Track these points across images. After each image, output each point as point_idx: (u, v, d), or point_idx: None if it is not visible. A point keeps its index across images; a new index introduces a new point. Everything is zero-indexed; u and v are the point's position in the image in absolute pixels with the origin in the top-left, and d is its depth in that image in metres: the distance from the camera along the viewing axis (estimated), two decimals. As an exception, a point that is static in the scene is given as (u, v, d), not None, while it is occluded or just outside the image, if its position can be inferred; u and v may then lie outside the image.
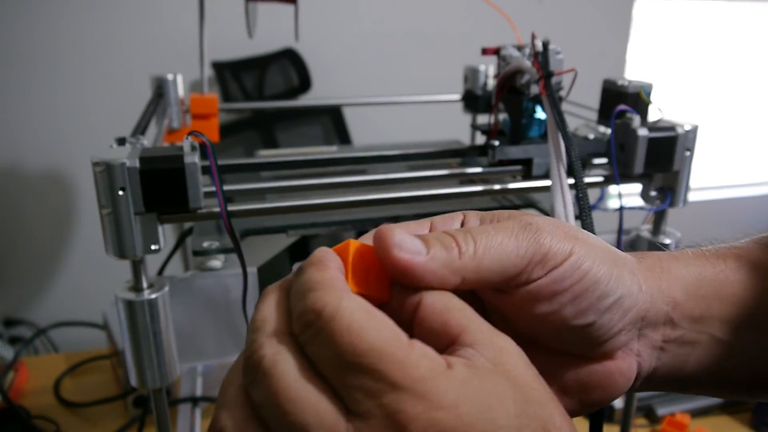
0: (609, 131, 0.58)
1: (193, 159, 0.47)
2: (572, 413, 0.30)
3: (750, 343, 0.31)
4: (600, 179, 0.59)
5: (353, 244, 0.26)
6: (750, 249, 0.34)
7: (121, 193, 0.45)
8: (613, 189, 0.61)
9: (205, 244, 0.62)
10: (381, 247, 0.25)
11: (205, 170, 0.49)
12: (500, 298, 0.28)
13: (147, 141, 0.52)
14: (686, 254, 0.34)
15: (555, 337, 0.29)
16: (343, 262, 0.25)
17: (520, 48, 0.59)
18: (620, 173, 0.58)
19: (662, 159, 0.57)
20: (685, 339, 0.31)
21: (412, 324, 0.25)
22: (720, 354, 0.31)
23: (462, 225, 0.29)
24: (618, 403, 0.90)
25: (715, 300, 0.32)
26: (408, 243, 0.25)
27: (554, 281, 0.27)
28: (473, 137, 0.84)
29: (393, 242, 0.24)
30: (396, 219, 0.62)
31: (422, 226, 0.28)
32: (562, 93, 0.57)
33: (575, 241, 0.28)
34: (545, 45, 0.54)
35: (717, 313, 0.32)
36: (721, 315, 0.32)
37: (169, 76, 0.70)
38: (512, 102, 0.59)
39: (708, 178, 1.78)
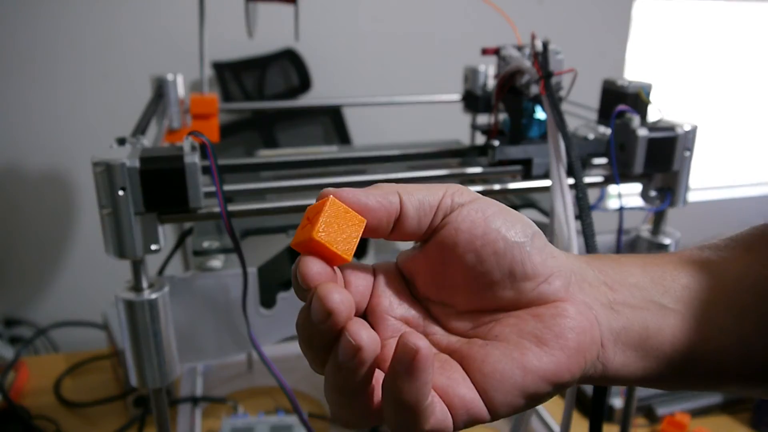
0: (609, 131, 0.59)
1: (193, 159, 0.47)
2: (566, 369, 0.30)
3: (703, 320, 0.32)
4: (600, 179, 0.59)
5: (332, 200, 0.28)
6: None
7: (121, 193, 0.45)
8: (612, 189, 0.61)
9: (205, 244, 0.62)
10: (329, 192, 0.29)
11: (205, 170, 0.49)
12: (433, 253, 0.31)
13: (147, 141, 0.52)
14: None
15: (493, 275, 0.30)
16: (316, 213, 0.28)
17: (520, 48, 0.59)
18: (620, 173, 0.58)
19: (662, 159, 0.57)
20: (631, 304, 0.31)
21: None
22: (677, 324, 0.31)
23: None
24: (618, 403, 0.90)
25: (647, 266, 0.33)
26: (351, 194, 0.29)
27: (482, 206, 0.30)
28: (473, 137, 0.84)
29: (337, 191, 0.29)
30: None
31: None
32: (562, 93, 0.57)
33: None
34: (545, 45, 0.54)
35: (652, 279, 0.32)
36: (655, 280, 0.32)
37: (170, 76, 0.70)
38: (512, 102, 0.59)
39: (708, 178, 1.79)
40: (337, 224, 0.27)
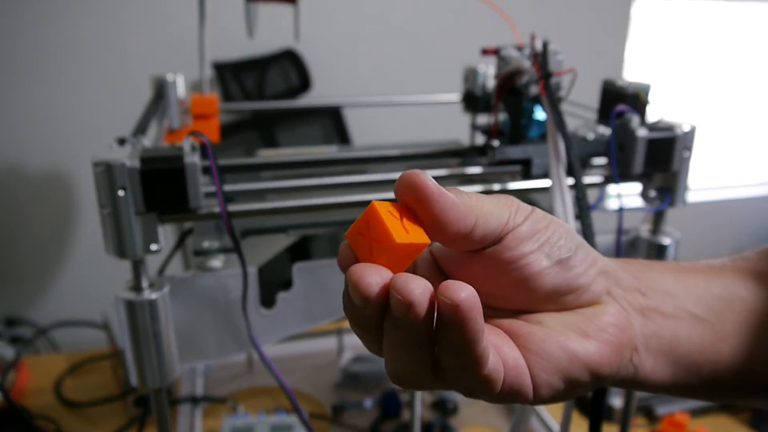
0: (608, 131, 0.59)
1: (193, 159, 0.47)
2: (607, 362, 0.30)
3: (734, 332, 0.32)
4: (599, 179, 0.59)
5: (378, 205, 0.27)
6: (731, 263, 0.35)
7: (121, 193, 0.45)
8: (612, 189, 0.61)
9: (205, 244, 0.62)
10: (421, 194, 0.27)
11: (205, 170, 0.49)
12: (479, 263, 0.30)
13: (147, 141, 0.52)
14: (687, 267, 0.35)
15: (538, 292, 0.30)
16: (375, 222, 0.26)
17: (520, 48, 0.59)
18: (619, 173, 0.58)
19: (661, 159, 0.58)
20: (663, 311, 0.32)
21: None
22: (706, 335, 0.31)
23: None
24: (617, 402, 0.90)
25: (680, 274, 0.33)
26: (439, 187, 0.27)
27: (533, 223, 0.30)
28: (473, 137, 0.84)
29: (431, 189, 0.27)
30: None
31: None
32: (562, 93, 0.57)
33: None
34: (545, 45, 0.54)
35: (685, 288, 0.32)
36: (688, 289, 0.32)
37: (170, 77, 0.70)
38: (512, 102, 0.59)
39: (707, 178, 1.79)
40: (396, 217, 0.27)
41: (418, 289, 0.24)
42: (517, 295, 0.30)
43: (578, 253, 0.30)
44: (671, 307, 0.32)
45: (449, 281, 0.25)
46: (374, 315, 0.26)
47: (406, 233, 0.26)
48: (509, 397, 0.28)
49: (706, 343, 0.32)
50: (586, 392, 0.30)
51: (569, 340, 0.29)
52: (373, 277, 0.25)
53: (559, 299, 0.30)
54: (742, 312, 0.32)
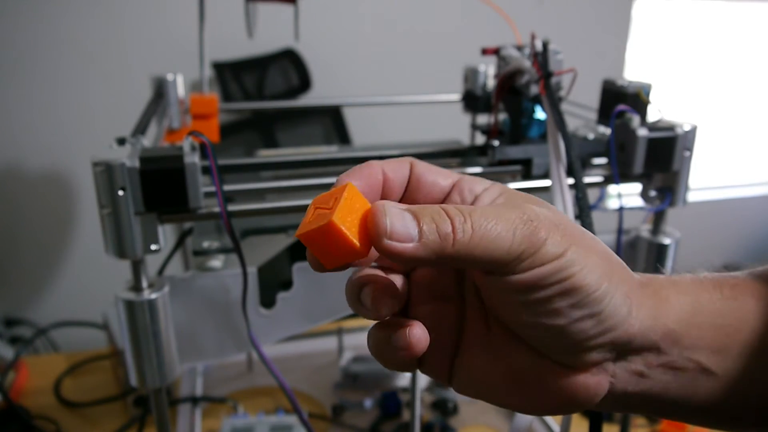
0: (609, 131, 0.58)
1: (193, 159, 0.47)
2: (518, 407, 0.30)
3: (737, 373, 0.31)
4: (600, 179, 0.59)
5: (350, 186, 0.26)
6: (746, 279, 0.33)
7: (121, 193, 0.45)
8: (612, 189, 0.61)
9: (205, 244, 0.62)
10: (373, 231, 0.25)
11: (205, 170, 0.49)
12: (480, 277, 0.29)
13: (147, 141, 0.52)
14: (685, 280, 0.33)
15: (526, 329, 0.29)
16: (334, 200, 0.26)
17: (520, 48, 0.59)
18: (620, 173, 0.58)
19: (662, 159, 0.57)
20: (672, 365, 0.30)
21: None
22: (705, 383, 0.30)
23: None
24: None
25: (708, 329, 0.31)
26: (399, 228, 0.25)
27: (535, 277, 0.26)
28: (473, 137, 0.84)
29: (383, 229, 0.25)
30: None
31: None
32: (562, 93, 0.57)
33: (572, 243, 0.27)
34: (545, 45, 0.54)
35: (708, 342, 0.31)
36: (711, 344, 0.31)
37: (169, 76, 0.70)
38: (512, 102, 0.59)
39: (708, 178, 1.79)
40: (354, 212, 0.26)
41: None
42: (515, 323, 0.29)
43: (576, 325, 0.27)
44: (683, 359, 0.30)
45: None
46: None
47: (352, 226, 0.25)
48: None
49: (699, 390, 0.31)
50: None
51: (497, 389, 0.30)
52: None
53: (549, 353, 0.29)
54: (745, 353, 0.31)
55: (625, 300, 0.28)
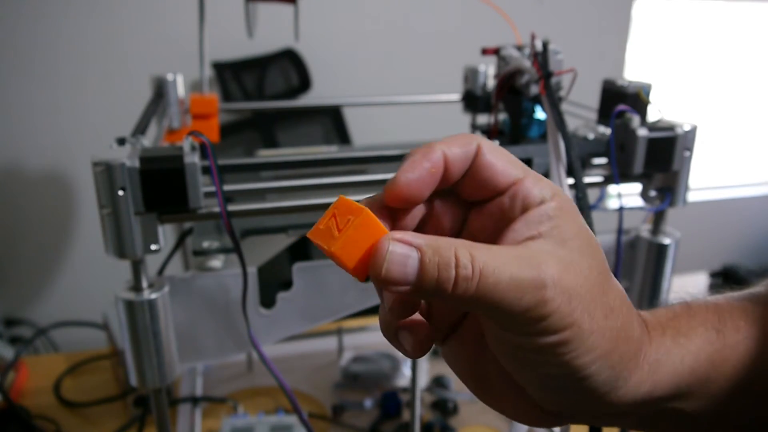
0: (609, 131, 0.58)
1: (193, 159, 0.47)
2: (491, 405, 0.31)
3: (711, 391, 0.31)
4: (600, 179, 0.59)
5: (366, 213, 0.26)
6: (745, 305, 0.32)
7: (121, 193, 0.45)
8: (612, 189, 0.61)
9: (205, 244, 0.62)
10: (371, 268, 0.25)
11: (205, 170, 0.49)
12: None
13: (147, 141, 0.52)
14: (702, 325, 0.31)
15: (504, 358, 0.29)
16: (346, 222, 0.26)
17: (520, 48, 0.59)
18: (620, 173, 0.58)
19: (662, 159, 0.57)
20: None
21: None
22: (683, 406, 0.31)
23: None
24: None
25: (714, 376, 0.30)
26: (395, 274, 0.24)
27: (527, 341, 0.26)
28: (473, 137, 0.84)
29: (378, 271, 0.24)
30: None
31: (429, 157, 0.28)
32: (562, 93, 0.57)
33: (575, 322, 0.25)
34: (545, 45, 0.54)
35: (714, 389, 0.30)
36: (698, 375, 0.30)
37: (169, 76, 0.70)
38: (512, 102, 0.59)
39: (708, 178, 1.79)
40: (362, 243, 0.26)
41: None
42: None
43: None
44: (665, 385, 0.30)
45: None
46: None
47: (353, 253, 0.26)
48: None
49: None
50: None
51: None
52: None
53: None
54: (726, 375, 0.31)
55: (612, 374, 0.27)
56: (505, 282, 0.24)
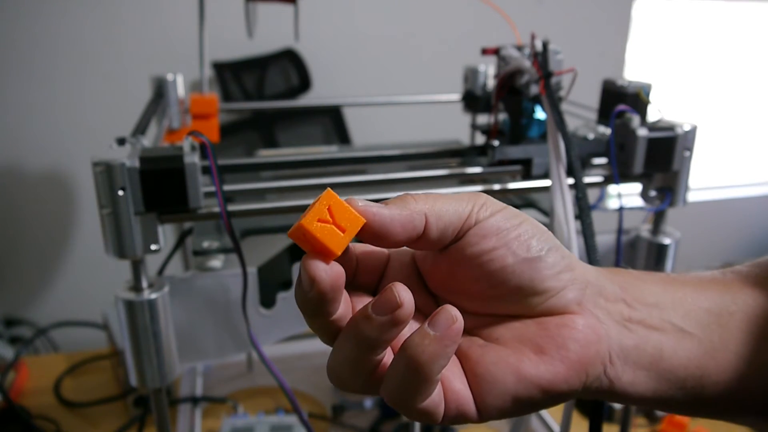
0: (609, 131, 0.58)
1: (193, 159, 0.47)
2: (563, 379, 0.30)
3: (721, 346, 0.31)
4: (600, 179, 0.59)
5: (329, 192, 0.27)
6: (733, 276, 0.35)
7: (121, 193, 0.45)
8: (612, 189, 0.61)
9: (205, 244, 0.62)
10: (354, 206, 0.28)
11: (205, 170, 0.49)
12: (445, 260, 0.30)
13: (147, 141, 0.52)
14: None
15: (501, 289, 0.30)
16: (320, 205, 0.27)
17: (520, 48, 0.59)
18: (620, 173, 0.58)
19: (662, 159, 0.57)
20: (648, 323, 0.31)
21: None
22: (692, 349, 0.31)
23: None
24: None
25: (668, 286, 0.32)
26: (370, 206, 0.28)
27: (501, 219, 0.30)
28: (473, 137, 0.84)
29: (362, 211, 0.28)
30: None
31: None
32: (562, 93, 0.57)
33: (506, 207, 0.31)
34: (545, 45, 0.54)
35: (673, 300, 0.32)
36: (676, 302, 0.31)
37: (169, 76, 0.70)
38: (512, 102, 0.59)
39: (708, 178, 1.78)
40: (334, 217, 0.27)
41: (408, 299, 0.26)
42: (483, 293, 0.30)
43: (550, 255, 0.29)
44: (657, 319, 0.31)
45: (448, 306, 0.26)
46: (316, 300, 0.27)
47: (327, 232, 0.27)
48: (452, 422, 0.29)
49: (691, 357, 0.31)
50: (545, 407, 0.30)
51: (520, 362, 0.29)
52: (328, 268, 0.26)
53: (524, 300, 0.30)
54: (728, 326, 0.31)
55: (566, 255, 0.31)
56: (446, 197, 0.30)
